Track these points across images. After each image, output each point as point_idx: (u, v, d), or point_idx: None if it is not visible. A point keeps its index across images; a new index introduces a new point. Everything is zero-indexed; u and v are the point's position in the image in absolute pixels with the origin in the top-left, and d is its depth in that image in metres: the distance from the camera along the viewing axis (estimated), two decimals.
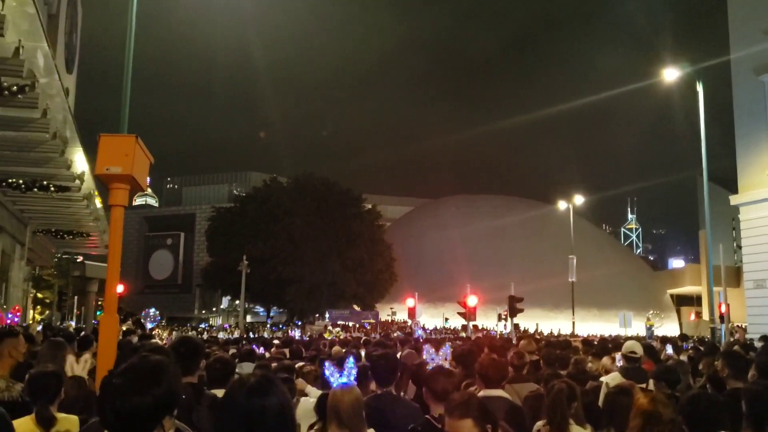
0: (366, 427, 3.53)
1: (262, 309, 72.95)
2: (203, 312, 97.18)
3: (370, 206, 62.42)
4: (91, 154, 15.16)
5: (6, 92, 10.27)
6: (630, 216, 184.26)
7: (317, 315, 55.17)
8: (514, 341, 14.67)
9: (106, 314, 6.09)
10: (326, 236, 54.58)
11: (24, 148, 14.02)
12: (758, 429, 3.76)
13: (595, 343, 12.49)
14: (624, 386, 5.44)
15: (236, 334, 37.80)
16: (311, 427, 4.36)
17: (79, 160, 15.57)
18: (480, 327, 41.14)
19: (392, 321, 54.03)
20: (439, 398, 4.31)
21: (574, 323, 40.62)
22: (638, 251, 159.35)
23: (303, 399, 6.18)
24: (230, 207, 65.41)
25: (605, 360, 8.55)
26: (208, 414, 3.91)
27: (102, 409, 2.19)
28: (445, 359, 3.38)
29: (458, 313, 28.27)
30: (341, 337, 27.09)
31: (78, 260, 38.86)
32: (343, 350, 9.14)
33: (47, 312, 48.56)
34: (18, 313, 14.63)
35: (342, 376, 3.51)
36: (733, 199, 29.08)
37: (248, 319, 66.87)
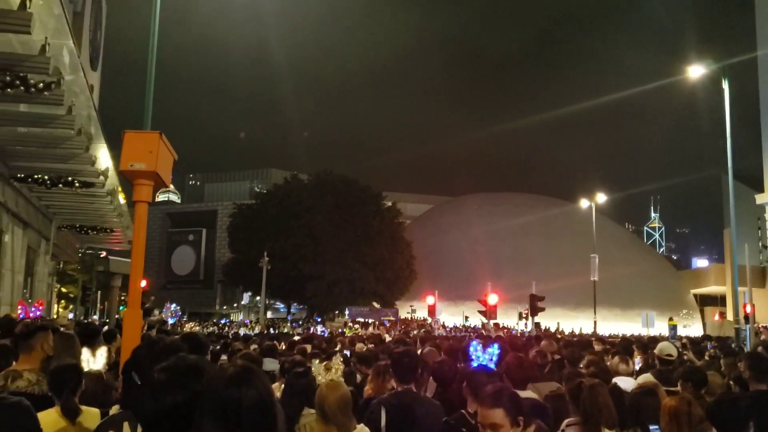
0: (353, 422, 3.53)
1: (282, 305, 73.34)
2: (224, 308, 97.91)
3: (390, 204, 62.43)
4: (115, 150, 15.33)
5: (32, 89, 10.40)
6: (653, 215, 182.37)
7: (337, 312, 55.35)
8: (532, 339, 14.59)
9: (130, 309, 6.15)
10: (346, 233, 54.71)
11: (49, 144, 14.20)
12: None
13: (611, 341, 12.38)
14: (649, 386, 5.38)
15: (257, 330, 38.03)
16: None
17: (103, 157, 15.74)
18: (501, 326, 40.99)
19: (412, 318, 54.01)
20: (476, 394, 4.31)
21: (595, 323, 40.33)
22: (661, 250, 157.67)
23: None
24: (251, 204, 65.82)
25: (615, 360, 8.46)
26: None
27: (140, 405, 2.20)
28: (490, 360, 3.41)
29: (479, 312, 28.17)
30: (360, 333, 27.13)
31: (101, 255, 39.34)
32: (365, 347, 9.14)
33: (71, 306, 49.25)
34: (41, 307, 14.83)
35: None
36: (759, 198, 28.74)
37: (269, 315, 67.21)
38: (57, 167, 15.85)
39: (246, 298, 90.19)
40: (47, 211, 21.40)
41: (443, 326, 42.14)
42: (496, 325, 28.10)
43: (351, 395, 3.58)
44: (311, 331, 35.84)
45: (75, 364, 4.15)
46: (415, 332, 27.86)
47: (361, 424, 3.54)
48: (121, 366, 4.83)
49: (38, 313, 13.22)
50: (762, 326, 33.07)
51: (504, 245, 68.16)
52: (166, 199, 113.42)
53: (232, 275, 62.72)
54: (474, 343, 3.77)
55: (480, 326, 41.49)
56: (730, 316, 45.93)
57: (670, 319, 36.15)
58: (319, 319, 51.79)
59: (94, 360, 4.63)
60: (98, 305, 50.46)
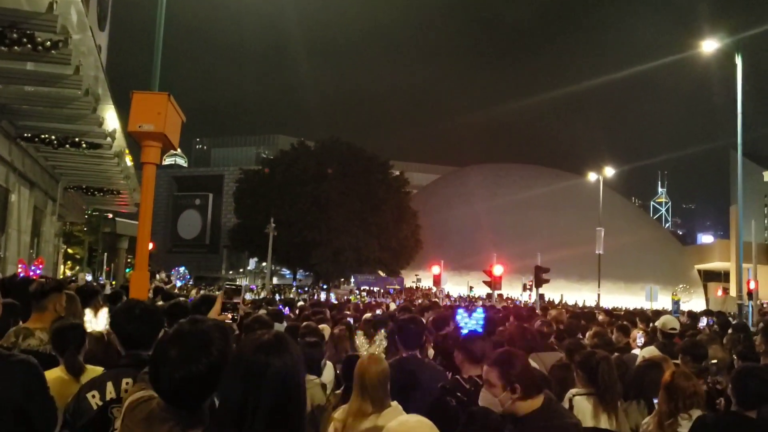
0: (389, 400, 3.48)
1: (288, 271, 73.69)
2: (230, 272, 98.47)
3: (397, 173, 62.28)
4: (122, 111, 15.25)
5: (39, 47, 10.29)
6: (660, 189, 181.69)
7: (342, 279, 55.64)
8: (538, 311, 14.62)
9: (137, 271, 6.17)
10: (352, 201, 54.71)
11: (56, 104, 14.12)
12: None
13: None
14: (655, 359, 5.40)
15: (263, 296, 38.29)
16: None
17: (110, 118, 15.65)
18: (505, 296, 41.14)
19: (417, 288, 54.27)
20: (476, 360, 4.31)
21: (599, 295, 40.41)
22: (667, 225, 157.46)
23: (328, 364, 6.22)
24: (258, 169, 65.75)
25: (619, 334, 8.48)
26: None
27: (156, 379, 2.24)
28: (477, 324, 3.38)
29: (483, 282, 28.24)
30: (366, 301, 27.29)
31: (108, 217, 39.46)
32: (371, 315, 9.18)
33: (77, 267, 49.58)
34: (41, 266, 14.83)
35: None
36: (767, 175, 28.44)
37: (274, 281, 67.63)
38: (64, 127, 15.79)
39: (252, 263, 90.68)
40: (54, 171, 21.40)
41: (448, 296, 42.34)
42: (500, 296, 28.19)
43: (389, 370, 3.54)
44: (315, 298, 36.09)
45: (78, 323, 4.16)
46: (419, 301, 28.01)
47: (395, 402, 3.50)
48: None
49: (38, 272, 13.21)
50: (765, 303, 33.08)
51: (510, 216, 68.14)
52: (173, 162, 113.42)
53: (238, 241, 62.94)
54: (460, 311, 3.77)
55: (485, 297, 41.68)
56: (733, 292, 45.97)
57: (674, 293, 36.14)
58: (324, 286, 52.09)
59: (96, 321, 4.64)
60: (104, 267, 50.78)
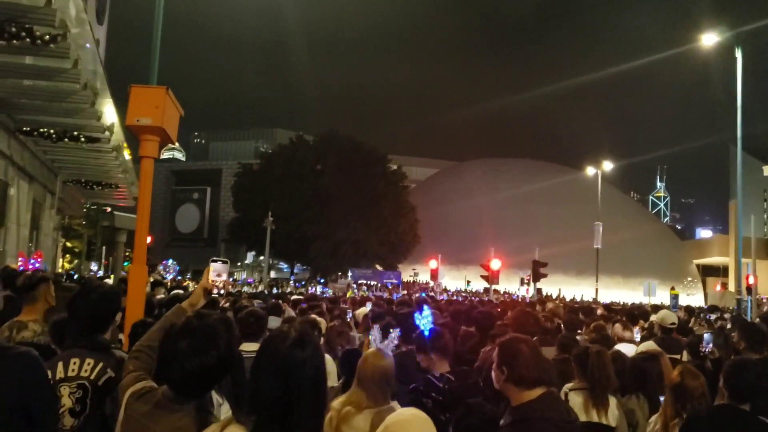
0: (388, 397, 3.48)
1: (286, 265, 73.73)
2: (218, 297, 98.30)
3: (395, 167, 62.28)
4: (121, 105, 15.24)
5: (38, 41, 10.28)
6: (659, 184, 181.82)
7: (340, 273, 55.70)
8: (536, 303, 14.66)
9: (136, 264, 6.16)
10: (350, 195, 54.69)
11: (55, 98, 14.10)
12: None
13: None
14: (651, 352, 5.43)
15: (260, 289, 38.32)
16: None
17: (108, 112, 15.63)
18: (502, 291, 41.18)
19: (414, 282, 54.33)
20: (444, 354, 4.33)
21: (597, 290, 40.49)
22: (666, 220, 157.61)
23: (326, 356, 6.24)
24: (256, 163, 65.72)
25: (617, 327, 8.50)
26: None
27: (165, 371, 2.42)
28: (428, 323, 3.36)
29: (481, 276, 28.30)
30: (365, 295, 27.30)
31: (107, 211, 39.42)
32: (368, 310, 9.19)
33: (76, 261, 49.58)
34: (39, 259, 14.87)
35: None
36: (767, 170, 28.46)
37: (272, 274, 67.66)
38: (62, 121, 15.77)
39: (250, 257, 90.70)
40: (53, 165, 21.39)
41: (445, 290, 42.38)
42: (496, 291, 28.23)
43: (392, 369, 3.54)
44: (311, 291, 36.08)
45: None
46: (416, 295, 28.04)
47: (395, 402, 3.50)
48: (126, 321, 4.86)
49: (37, 265, 13.25)
50: (763, 298, 33.15)
51: (507, 211, 68.20)
52: (171, 156, 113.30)
53: (236, 234, 62.97)
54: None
55: (482, 291, 41.72)
56: (732, 287, 46.07)
57: (672, 288, 36.22)
58: (322, 280, 52.13)
59: None
60: (103, 260, 50.79)
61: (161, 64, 14.47)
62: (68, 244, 46.48)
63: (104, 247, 47.87)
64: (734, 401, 3.66)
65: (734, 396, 3.66)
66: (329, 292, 33.56)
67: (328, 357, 6.22)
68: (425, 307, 3.60)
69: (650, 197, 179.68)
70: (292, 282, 54.30)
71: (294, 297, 16.43)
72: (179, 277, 37.82)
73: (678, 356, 6.23)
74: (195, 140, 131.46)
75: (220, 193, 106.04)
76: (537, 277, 26.52)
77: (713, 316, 13.92)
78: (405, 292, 37.61)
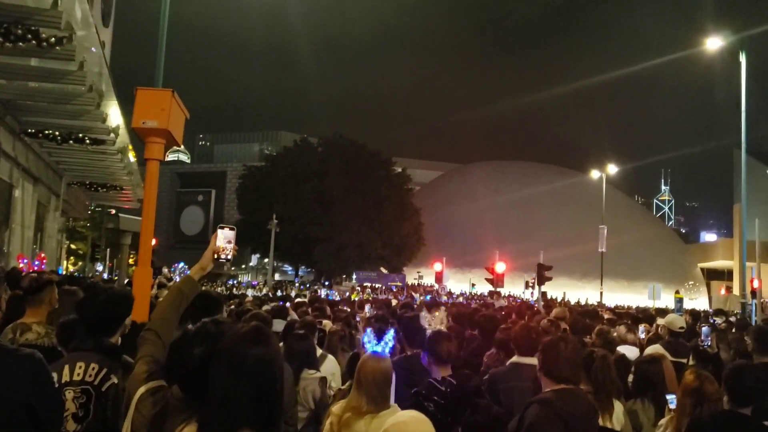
0: (388, 400, 3.45)
1: (290, 268, 73.78)
2: (233, 269, 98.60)
3: (400, 170, 62.29)
4: (126, 108, 15.27)
5: (44, 44, 10.32)
6: (663, 187, 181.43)
7: (344, 276, 55.67)
8: (540, 308, 14.61)
9: (141, 266, 6.17)
10: (355, 198, 54.72)
11: (60, 100, 14.15)
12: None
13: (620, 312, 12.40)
14: (654, 355, 5.41)
15: (264, 292, 38.35)
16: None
17: (114, 114, 15.68)
18: (506, 294, 41.07)
19: (419, 284, 54.30)
20: (443, 362, 4.33)
21: (602, 293, 40.40)
22: (670, 223, 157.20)
23: (329, 357, 6.23)
24: (261, 166, 65.80)
25: (621, 329, 8.49)
26: None
27: (176, 373, 2.43)
28: (385, 346, 3.33)
29: (486, 279, 28.24)
30: (369, 298, 27.29)
31: (111, 213, 39.51)
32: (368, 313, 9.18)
33: (80, 263, 49.68)
34: (43, 261, 14.90)
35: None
36: None
37: (276, 277, 67.70)
38: (68, 123, 15.82)
39: (254, 259, 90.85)
40: (57, 167, 21.44)
41: (450, 293, 42.34)
42: (498, 293, 28.12)
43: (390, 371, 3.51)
44: (317, 294, 36.07)
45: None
46: (421, 298, 28.02)
47: (395, 405, 3.48)
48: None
49: (43, 266, 13.28)
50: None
51: (512, 214, 68.12)
52: (176, 158, 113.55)
53: (241, 237, 62.79)
54: (368, 330, 3.73)
55: (486, 294, 41.65)
56: (736, 291, 45.90)
57: (677, 292, 36.12)
58: (327, 283, 52.13)
59: None
60: (107, 262, 50.88)
61: (167, 67, 14.50)
62: (72, 246, 46.60)
63: (108, 250, 47.94)
64: (735, 405, 3.66)
65: (735, 399, 3.66)
66: (334, 295, 33.55)
67: (331, 358, 6.23)
68: (391, 330, 3.53)
69: (655, 201, 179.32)
70: (296, 284, 54.33)
71: (297, 300, 16.42)
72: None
73: (684, 360, 6.22)
74: (200, 143, 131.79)
75: (224, 196, 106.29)
76: (542, 280, 26.40)
77: (719, 321, 13.87)
78: (408, 294, 37.58)
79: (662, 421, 4.30)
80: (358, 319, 9.75)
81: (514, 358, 5.03)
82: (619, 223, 57.16)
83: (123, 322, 3.61)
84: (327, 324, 8.13)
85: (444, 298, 34.24)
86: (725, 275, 64.08)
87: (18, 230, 18.74)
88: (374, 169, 57.85)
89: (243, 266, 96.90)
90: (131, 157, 19.75)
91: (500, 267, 26.13)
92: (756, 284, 24.08)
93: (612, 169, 47.47)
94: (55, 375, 3.14)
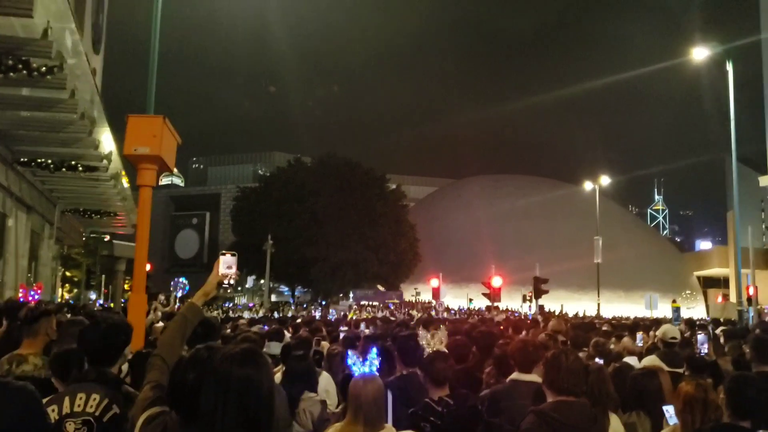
0: (383, 421, 3.46)
1: (286, 288, 73.53)
2: (228, 291, 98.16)
3: (394, 186, 62.34)
4: (118, 133, 15.30)
5: (35, 73, 10.36)
6: (657, 197, 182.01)
7: (341, 295, 55.49)
8: (539, 320, 14.61)
9: (135, 293, 6.17)
10: (350, 216, 54.65)
11: (53, 128, 14.18)
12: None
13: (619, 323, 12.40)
14: (651, 368, 5.41)
15: (261, 314, 38.18)
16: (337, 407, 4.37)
17: (106, 140, 15.71)
18: (502, 309, 40.98)
19: (416, 301, 54.14)
20: (438, 383, 4.32)
21: (599, 305, 40.38)
22: (665, 233, 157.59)
23: (324, 374, 6.21)
24: (255, 187, 65.77)
25: (626, 340, 8.51)
26: None
27: (174, 400, 2.47)
28: (371, 366, 3.27)
29: (483, 294, 28.23)
30: (369, 316, 27.20)
31: (106, 239, 39.40)
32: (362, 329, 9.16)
33: (75, 290, 49.42)
34: (39, 291, 14.84)
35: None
36: (762, 181, 28.58)
37: (273, 298, 67.42)
38: (60, 151, 15.83)
39: (250, 281, 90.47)
40: (51, 195, 21.42)
41: (447, 309, 42.22)
42: (496, 308, 28.09)
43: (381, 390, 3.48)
44: (313, 314, 35.95)
45: (78, 348, 4.18)
46: (418, 315, 27.95)
47: (390, 426, 3.45)
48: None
49: (37, 297, 13.23)
50: (765, 308, 33.04)
51: (507, 227, 68.17)
52: (170, 182, 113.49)
53: (236, 253, 62.60)
54: (350, 352, 3.71)
55: (484, 309, 41.57)
56: (733, 298, 45.94)
57: (674, 301, 36.10)
58: (324, 303, 51.95)
59: None
60: (103, 289, 50.62)
61: (159, 91, 14.53)
62: (67, 274, 46.37)
63: (103, 276, 47.73)
64: (736, 417, 3.65)
65: (736, 412, 3.65)
66: (334, 314, 33.40)
67: (326, 375, 6.22)
68: (373, 348, 3.48)
69: (649, 210, 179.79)
70: (292, 305, 54.11)
71: (299, 321, 16.38)
72: (179, 305, 37.50)
73: (680, 370, 6.23)
74: (194, 165, 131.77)
75: (219, 218, 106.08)
76: (539, 293, 26.49)
77: (718, 330, 13.87)
78: (406, 311, 37.49)
79: (664, 431, 4.29)
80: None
81: (514, 375, 5.02)
82: (614, 234, 57.25)
83: (123, 352, 3.61)
84: (325, 345, 8.11)
85: (444, 315, 34.15)
86: (722, 283, 64.15)
87: (12, 260, 18.68)
88: (368, 187, 57.87)
89: (239, 288, 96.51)
90: (125, 182, 19.77)
91: (497, 281, 26.16)
92: (752, 291, 24.15)
93: (605, 180, 47.64)
94: (55, 407, 3.13)
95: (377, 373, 3.46)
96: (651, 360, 6.58)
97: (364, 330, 10.09)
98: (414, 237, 60.66)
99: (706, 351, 7.16)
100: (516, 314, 36.82)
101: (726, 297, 54.47)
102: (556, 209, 70.58)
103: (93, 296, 48.08)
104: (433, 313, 30.87)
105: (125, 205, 22.24)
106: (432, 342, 3.83)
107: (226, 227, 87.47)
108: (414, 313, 32.19)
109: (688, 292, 64.25)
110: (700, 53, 23.67)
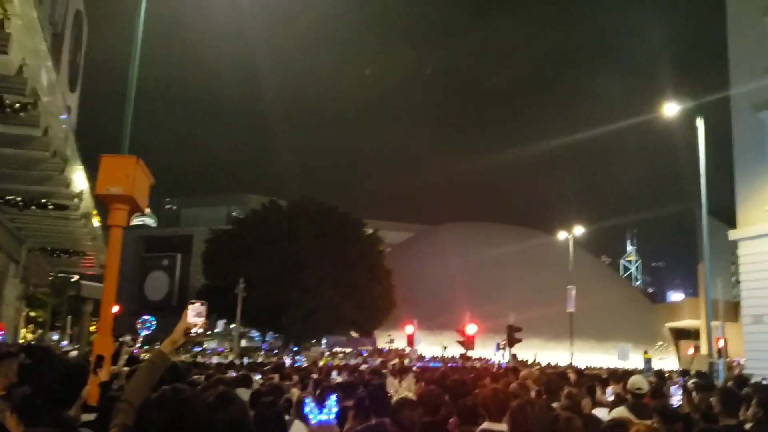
0: None
1: (257, 333, 72.46)
2: (198, 334, 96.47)
3: (370, 231, 62.30)
4: (91, 172, 15.14)
5: (8, 110, 10.26)
6: (629, 248, 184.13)
7: (314, 341, 54.77)
8: (519, 370, 14.52)
9: (101, 335, 6.01)
10: (325, 261, 54.30)
11: (24, 166, 13.97)
12: None
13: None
14: (620, 420, 5.37)
15: (230, 358, 37.51)
16: None
17: (78, 179, 15.52)
18: (474, 357, 40.74)
19: (390, 349, 53.65)
20: (406, 429, 4.26)
21: (572, 354, 40.36)
22: (637, 283, 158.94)
23: (296, 422, 6.07)
24: (228, 229, 65.25)
25: (599, 394, 8.47)
26: None
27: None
28: (329, 414, 3.21)
29: (457, 342, 28.09)
30: (341, 363, 26.84)
31: (73, 280, 38.63)
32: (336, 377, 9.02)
33: (39, 331, 48.18)
34: (2, 332, 14.41)
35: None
36: (732, 234, 29.03)
37: (243, 343, 66.33)
38: (31, 189, 15.58)
39: (220, 325, 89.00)
40: (19, 233, 21.00)
41: (420, 357, 41.86)
42: (466, 356, 27.97)
43: None
44: (281, 360, 35.38)
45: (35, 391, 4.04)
46: (393, 362, 27.65)
47: None
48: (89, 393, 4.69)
49: (0, 338, 12.86)
50: (735, 361, 33.31)
51: (482, 275, 68.30)
52: (142, 222, 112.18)
53: (206, 302, 61.64)
54: (307, 400, 3.66)
55: (458, 357, 41.29)
56: (704, 350, 46.27)
57: (645, 352, 36.27)
58: (295, 349, 51.21)
59: None
60: (68, 330, 49.42)
61: (134, 129, 14.47)
62: (32, 314, 45.27)
63: (69, 317, 46.66)
64: None
65: None
66: (302, 361, 32.94)
67: (297, 423, 6.07)
68: (331, 396, 3.42)
69: (621, 261, 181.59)
70: (263, 351, 53.26)
71: (267, 368, 16.09)
72: (146, 346, 36.83)
73: (649, 422, 6.20)
74: (166, 206, 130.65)
75: (190, 260, 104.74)
76: (512, 342, 26.42)
77: (690, 382, 13.90)
78: (380, 360, 37.07)
79: None
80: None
81: (485, 425, 4.95)
82: (587, 284, 57.61)
83: (80, 394, 3.52)
84: (294, 392, 7.95)
85: (416, 363, 33.84)
86: (692, 335, 64.63)
87: None
88: (344, 231, 57.75)
89: (209, 332, 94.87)
90: (95, 222, 19.49)
91: (471, 329, 26.11)
92: (722, 343, 24.35)
93: (579, 230, 48.17)
94: None
95: (335, 421, 3.39)
96: (619, 412, 6.59)
97: (336, 378, 9.92)
98: (389, 283, 60.43)
99: (679, 401, 7.13)
100: (490, 362, 36.65)
101: (697, 349, 54.86)
102: (530, 258, 71.02)
103: (56, 337, 46.84)
104: (406, 361, 30.59)
105: (95, 244, 21.88)
106: (400, 389, 3.78)
107: (198, 269, 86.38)
108: (393, 362, 31.87)
109: (660, 343, 64.60)
110: (671, 109, 24.33)
